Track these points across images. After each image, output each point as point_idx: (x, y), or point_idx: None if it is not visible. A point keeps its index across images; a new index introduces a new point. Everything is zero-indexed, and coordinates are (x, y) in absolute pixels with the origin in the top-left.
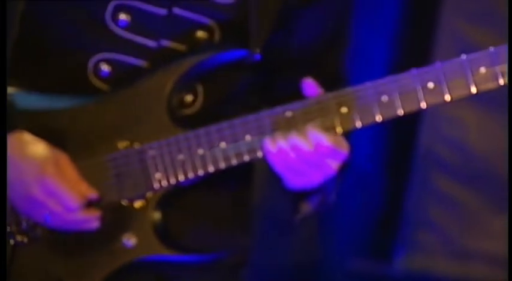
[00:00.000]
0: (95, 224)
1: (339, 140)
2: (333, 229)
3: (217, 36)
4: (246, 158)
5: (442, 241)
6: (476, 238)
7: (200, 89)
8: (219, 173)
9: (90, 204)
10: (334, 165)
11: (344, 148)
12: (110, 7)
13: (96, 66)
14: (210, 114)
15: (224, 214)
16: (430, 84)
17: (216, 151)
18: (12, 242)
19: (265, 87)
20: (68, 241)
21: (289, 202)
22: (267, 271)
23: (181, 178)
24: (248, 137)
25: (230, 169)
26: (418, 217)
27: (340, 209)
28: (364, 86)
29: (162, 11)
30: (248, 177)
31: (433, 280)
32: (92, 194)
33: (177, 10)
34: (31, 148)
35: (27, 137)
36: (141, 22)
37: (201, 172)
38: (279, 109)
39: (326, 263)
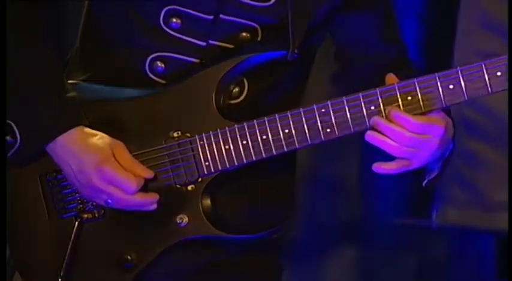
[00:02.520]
0: (152, 206)
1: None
2: (376, 189)
3: (259, 36)
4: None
5: (472, 195)
6: (503, 191)
7: (246, 82)
8: (260, 161)
9: (147, 188)
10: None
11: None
12: (163, 12)
13: (152, 63)
14: (255, 105)
15: (269, 193)
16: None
17: (258, 143)
18: (77, 219)
19: (305, 77)
20: (128, 220)
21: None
22: (313, 232)
23: (227, 165)
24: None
25: (273, 157)
26: (451, 175)
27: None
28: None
29: (209, 17)
30: (290, 157)
31: (465, 231)
32: (148, 174)
33: (222, 16)
34: (89, 141)
35: (87, 131)
36: (191, 25)
37: (245, 161)
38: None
39: (369, 221)
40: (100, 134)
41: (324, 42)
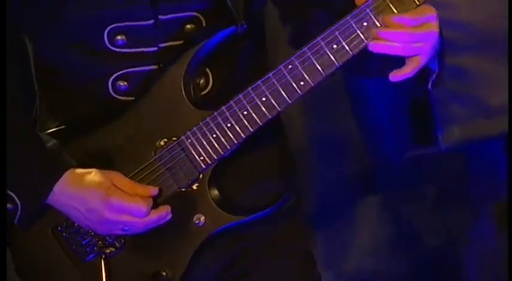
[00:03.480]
0: (168, 216)
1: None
2: (377, 132)
3: (204, 23)
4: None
5: (471, 107)
6: (498, 95)
7: (208, 71)
8: (251, 136)
9: (156, 203)
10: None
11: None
12: (105, 34)
13: (114, 85)
14: (226, 89)
15: (269, 166)
16: None
17: (241, 120)
18: (102, 257)
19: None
20: (149, 239)
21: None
22: (328, 190)
23: (221, 152)
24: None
25: (261, 128)
26: (446, 95)
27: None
28: None
29: (150, 22)
30: (277, 126)
31: (473, 143)
32: (153, 191)
33: (161, 17)
34: (86, 180)
35: (78, 171)
36: (136, 36)
37: (235, 142)
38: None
39: (380, 164)
40: (92, 170)
41: (267, 8)
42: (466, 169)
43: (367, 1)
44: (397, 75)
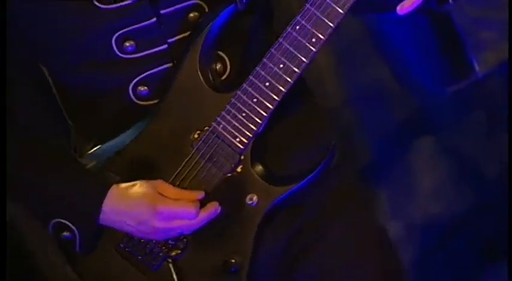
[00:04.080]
0: (217, 211)
1: None
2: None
3: (206, 8)
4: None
5: (498, 30)
6: None
7: (223, 55)
8: (280, 105)
9: (207, 194)
10: None
11: None
12: (113, 43)
13: (135, 92)
14: (245, 68)
15: (304, 129)
16: None
17: (264, 92)
18: (170, 261)
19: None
20: (210, 230)
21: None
22: (375, 137)
23: (254, 129)
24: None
25: (287, 95)
26: (471, 23)
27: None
28: None
29: (153, 21)
30: (301, 88)
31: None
32: (198, 194)
33: (163, 12)
34: (131, 193)
35: (122, 186)
36: (144, 38)
37: (265, 115)
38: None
39: (426, 101)
40: (136, 182)
41: None
42: (506, 90)
43: None
44: (403, 8)
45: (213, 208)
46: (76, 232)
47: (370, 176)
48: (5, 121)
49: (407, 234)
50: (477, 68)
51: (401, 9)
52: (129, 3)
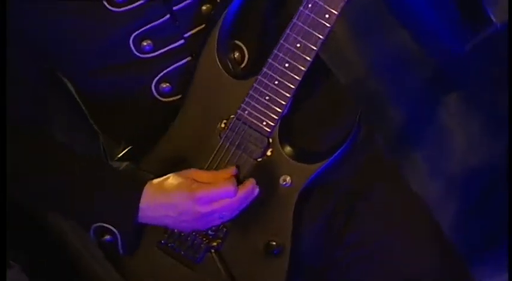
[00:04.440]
0: (255, 189)
1: None
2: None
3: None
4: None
5: None
6: None
7: (240, 43)
8: (302, 84)
9: (240, 182)
10: None
11: None
12: (131, 45)
13: (158, 89)
14: (263, 55)
15: (328, 106)
16: None
17: (285, 72)
18: (212, 252)
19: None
20: (248, 216)
21: None
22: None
23: (279, 111)
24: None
25: (307, 77)
26: None
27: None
28: None
29: (167, 17)
30: (320, 66)
31: None
32: (231, 170)
33: (175, 8)
34: (166, 187)
35: (156, 181)
36: (161, 37)
37: (288, 95)
38: None
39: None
40: (168, 175)
41: None
42: None
43: None
44: None
45: (250, 184)
46: (118, 235)
47: (401, 141)
48: (5, 121)
49: (447, 191)
50: (494, 17)
51: None
52: (141, 4)
